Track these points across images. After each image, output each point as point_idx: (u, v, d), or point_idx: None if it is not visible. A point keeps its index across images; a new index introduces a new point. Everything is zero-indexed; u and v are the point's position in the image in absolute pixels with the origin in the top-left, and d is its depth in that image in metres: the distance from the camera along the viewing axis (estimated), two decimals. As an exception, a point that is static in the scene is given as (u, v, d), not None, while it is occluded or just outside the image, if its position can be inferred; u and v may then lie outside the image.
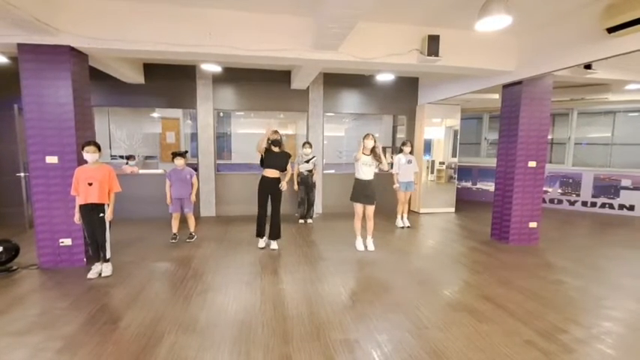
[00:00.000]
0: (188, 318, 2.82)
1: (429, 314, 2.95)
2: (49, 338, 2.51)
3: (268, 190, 4.61)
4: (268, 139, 4.57)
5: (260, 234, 4.75)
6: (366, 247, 4.71)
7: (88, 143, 3.50)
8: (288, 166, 4.70)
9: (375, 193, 4.61)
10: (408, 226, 6.06)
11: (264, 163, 4.58)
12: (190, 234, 5.03)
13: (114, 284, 3.47)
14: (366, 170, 4.52)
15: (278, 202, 4.67)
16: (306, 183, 6.20)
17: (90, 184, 3.48)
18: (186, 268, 3.95)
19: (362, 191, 4.55)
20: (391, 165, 6.51)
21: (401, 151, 6.05)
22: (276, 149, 4.58)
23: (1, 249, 3.75)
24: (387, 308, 3.04)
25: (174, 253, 4.46)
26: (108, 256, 3.70)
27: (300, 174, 6.19)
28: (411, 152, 6.04)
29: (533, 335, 2.62)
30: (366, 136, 4.54)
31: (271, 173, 4.58)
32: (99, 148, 3.57)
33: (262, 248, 4.70)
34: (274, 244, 4.73)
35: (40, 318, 2.80)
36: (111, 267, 3.74)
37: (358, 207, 4.62)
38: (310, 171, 6.20)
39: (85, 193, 3.49)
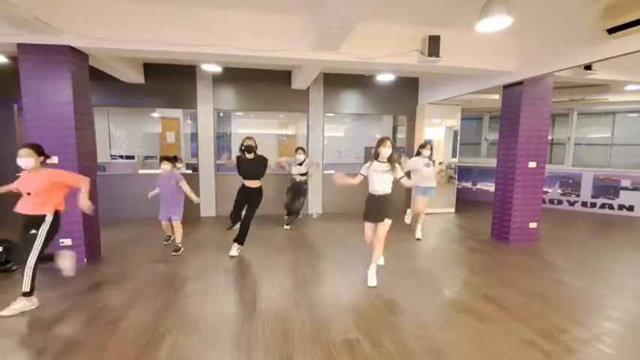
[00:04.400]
0: (189, 318, 2.81)
1: (429, 314, 2.95)
2: (49, 339, 2.50)
3: (246, 198, 4.33)
4: (241, 146, 4.20)
5: (234, 223, 4.42)
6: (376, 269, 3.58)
7: (22, 146, 2.90)
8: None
9: (390, 208, 3.41)
10: (418, 239, 5.28)
11: (240, 173, 4.29)
12: (176, 246, 4.43)
13: (114, 285, 3.47)
14: (379, 180, 3.38)
15: (254, 209, 4.35)
16: (296, 188, 5.87)
17: (29, 194, 2.93)
18: (186, 268, 3.95)
19: (371, 207, 3.45)
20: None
21: (418, 153, 5.30)
22: (250, 156, 4.20)
23: (1, 249, 3.75)
24: (387, 308, 3.04)
25: (174, 253, 4.45)
26: (25, 288, 2.78)
27: (292, 179, 5.89)
28: (429, 156, 5.25)
29: (533, 335, 2.62)
30: (381, 143, 3.38)
31: (251, 183, 4.32)
32: (39, 153, 2.92)
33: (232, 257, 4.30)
34: (234, 250, 4.29)
35: (39, 318, 2.79)
36: (26, 303, 2.81)
37: (366, 226, 3.57)
38: (304, 174, 5.83)
39: (21, 203, 2.95)
